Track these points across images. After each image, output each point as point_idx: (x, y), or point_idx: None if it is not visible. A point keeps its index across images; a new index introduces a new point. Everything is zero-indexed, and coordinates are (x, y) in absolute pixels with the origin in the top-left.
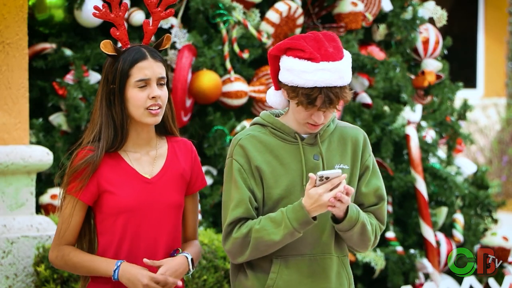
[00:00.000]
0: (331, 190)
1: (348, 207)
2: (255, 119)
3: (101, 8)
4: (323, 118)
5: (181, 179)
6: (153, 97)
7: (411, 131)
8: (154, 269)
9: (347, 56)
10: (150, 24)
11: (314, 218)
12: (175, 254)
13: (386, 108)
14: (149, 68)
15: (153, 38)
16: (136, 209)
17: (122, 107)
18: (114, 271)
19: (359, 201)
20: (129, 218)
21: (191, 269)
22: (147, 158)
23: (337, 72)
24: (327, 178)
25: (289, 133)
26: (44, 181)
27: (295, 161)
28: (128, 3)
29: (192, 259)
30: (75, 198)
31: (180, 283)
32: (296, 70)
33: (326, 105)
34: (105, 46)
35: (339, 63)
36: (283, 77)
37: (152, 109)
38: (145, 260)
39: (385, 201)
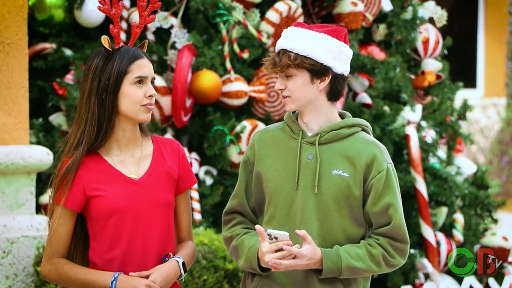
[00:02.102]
0: (276, 251)
1: (322, 259)
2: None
3: (105, 2)
4: (282, 87)
5: (168, 177)
6: (149, 96)
7: (411, 131)
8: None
9: (324, 36)
10: (137, 27)
11: (266, 269)
12: (166, 259)
13: (386, 108)
14: (147, 67)
15: (152, 38)
16: (125, 210)
17: (114, 104)
18: (112, 282)
19: (370, 222)
20: (119, 220)
21: (183, 273)
22: (132, 160)
23: (290, 35)
24: (275, 237)
25: (295, 129)
26: (44, 181)
27: (292, 158)
28: (129, 2)
29: (183, 263)
30: (63, 207)
31: None
32: None
33: (270, 66)
34: (104, 41)
35: (299, 29)
36: None
37: (148, 106)
38: (131, 273)
39: (398, 219)
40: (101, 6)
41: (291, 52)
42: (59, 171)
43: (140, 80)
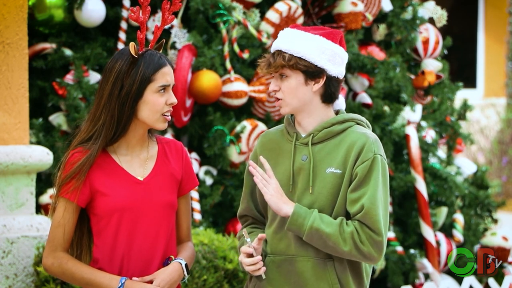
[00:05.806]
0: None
1: (293, 209)
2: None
3: (135, 10)
4: (276, 88)
5: (172, 179)
6: (170, 103)
7: (411, 131)
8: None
9: (319, 38)
10: (158, 28)
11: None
12: (169, 262)
13: (386, 108)
14: (170, 75)
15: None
16: (129, 208)
17: (133, 110)
18: None
19: (347, 209)
20: (123, 218)
21: (186, 275)
22: (138, 160)
23: (285, 36)
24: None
25: (290, 132)
26: (44, 181)
27: (288, 160)
28: (128, 2)
29: (186, 265)
30: (69, 201)
31: None
32: None
33: (265, 67)
34: (131, 48)
35: (294, 30)
36: None
37: (166, 115)
38: (134, 278)
39: (370, 207)
40: (133, 14)
41: (286, 53)
42: (67, 162)
43: (163, 89)
